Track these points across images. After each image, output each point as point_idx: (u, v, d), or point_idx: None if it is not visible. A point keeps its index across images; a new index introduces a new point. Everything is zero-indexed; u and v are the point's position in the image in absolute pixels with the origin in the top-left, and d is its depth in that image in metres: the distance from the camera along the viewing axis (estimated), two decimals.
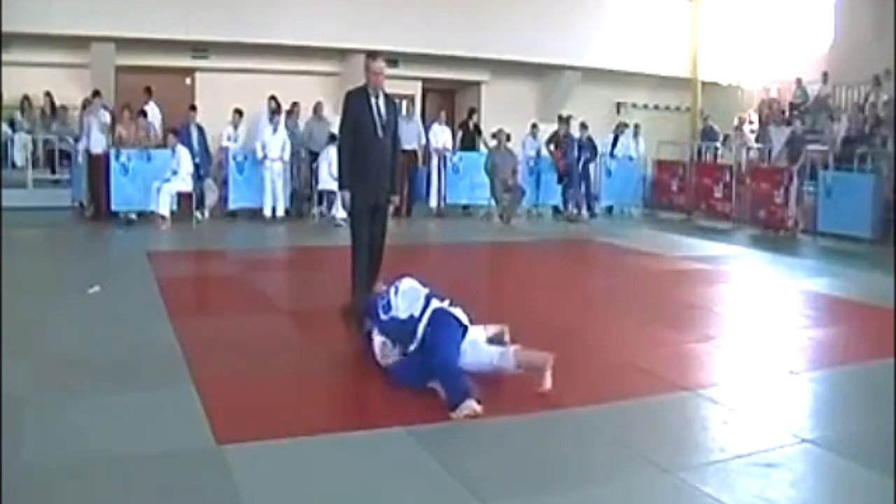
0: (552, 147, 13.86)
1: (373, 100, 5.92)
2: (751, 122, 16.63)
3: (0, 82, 12.03)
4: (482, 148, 14.28)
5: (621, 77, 17.22)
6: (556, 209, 14.13)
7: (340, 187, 6.09)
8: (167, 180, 11.20)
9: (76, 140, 12.26)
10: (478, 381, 4.27)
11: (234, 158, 12.32)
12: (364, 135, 5.90)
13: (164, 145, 11.73)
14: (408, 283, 4.70)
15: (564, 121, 13.95)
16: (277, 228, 11.72)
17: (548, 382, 4.40)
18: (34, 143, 13.04)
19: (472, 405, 4.02)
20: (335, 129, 12.65)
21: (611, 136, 15.22)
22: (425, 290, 4.65)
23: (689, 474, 3.44)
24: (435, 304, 4.56)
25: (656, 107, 18.45)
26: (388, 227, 6.31)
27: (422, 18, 14.79)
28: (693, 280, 8.53)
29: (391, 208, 6.42)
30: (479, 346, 4.53)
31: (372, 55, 6.02)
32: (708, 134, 16.27)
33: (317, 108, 13.21)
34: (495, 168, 12.95)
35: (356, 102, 5.96)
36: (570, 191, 13.69)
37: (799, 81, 16.57)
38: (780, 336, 6.03)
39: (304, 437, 3.74)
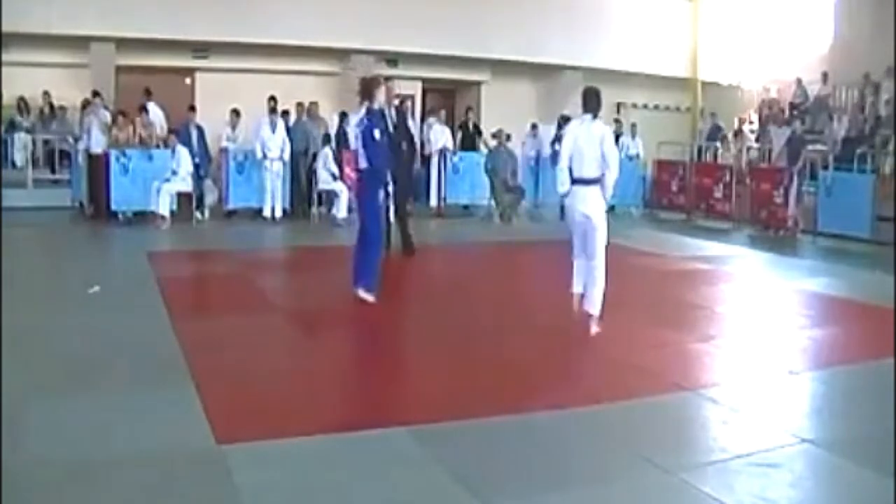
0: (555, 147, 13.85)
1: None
2: (751, 123, 16.61)
3: (0, 82, 12.02)
4: (482, 148, 14.26)
5: (621, 77, 17.15)
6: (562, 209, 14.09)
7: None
8: (167, 180, 11.19)
9: (76, 140, 12.25)
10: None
11: (234, 158, 12.32)
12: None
13: (165, 145, 11.72)
14: None
15: (565, 121, 13.90)
16: (277, 228, 11.70)
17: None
18: (34, 143, 13.02)
19: None
20: (330, 130, 12.77)
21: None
22: None
23: (690, 474, 3.44)
24: None
25: (656, 107, 18.42)
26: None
27: (422, 18, 14.77)
28: (693, 280, 8.53)
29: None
30: None
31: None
32: (714, 132, 16.13)
33: (309, 109, 13.16)
34: (495, 168, 12.94)
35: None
36: None
37: (799, 81, 16.56)
38: (780, 336, 6.03)
39: (304, 436, 3.74)
